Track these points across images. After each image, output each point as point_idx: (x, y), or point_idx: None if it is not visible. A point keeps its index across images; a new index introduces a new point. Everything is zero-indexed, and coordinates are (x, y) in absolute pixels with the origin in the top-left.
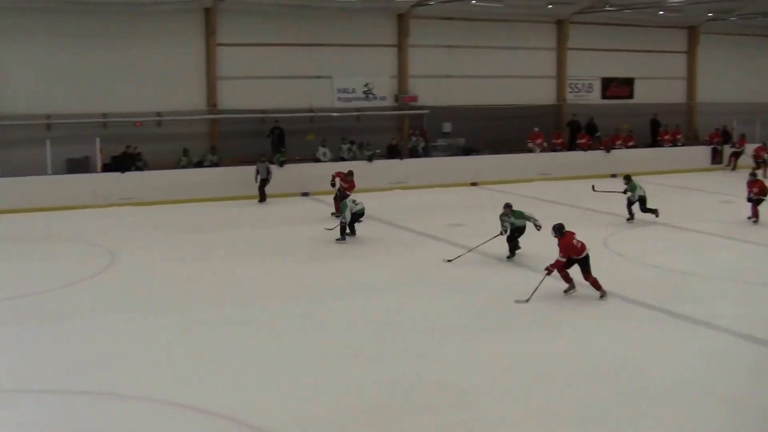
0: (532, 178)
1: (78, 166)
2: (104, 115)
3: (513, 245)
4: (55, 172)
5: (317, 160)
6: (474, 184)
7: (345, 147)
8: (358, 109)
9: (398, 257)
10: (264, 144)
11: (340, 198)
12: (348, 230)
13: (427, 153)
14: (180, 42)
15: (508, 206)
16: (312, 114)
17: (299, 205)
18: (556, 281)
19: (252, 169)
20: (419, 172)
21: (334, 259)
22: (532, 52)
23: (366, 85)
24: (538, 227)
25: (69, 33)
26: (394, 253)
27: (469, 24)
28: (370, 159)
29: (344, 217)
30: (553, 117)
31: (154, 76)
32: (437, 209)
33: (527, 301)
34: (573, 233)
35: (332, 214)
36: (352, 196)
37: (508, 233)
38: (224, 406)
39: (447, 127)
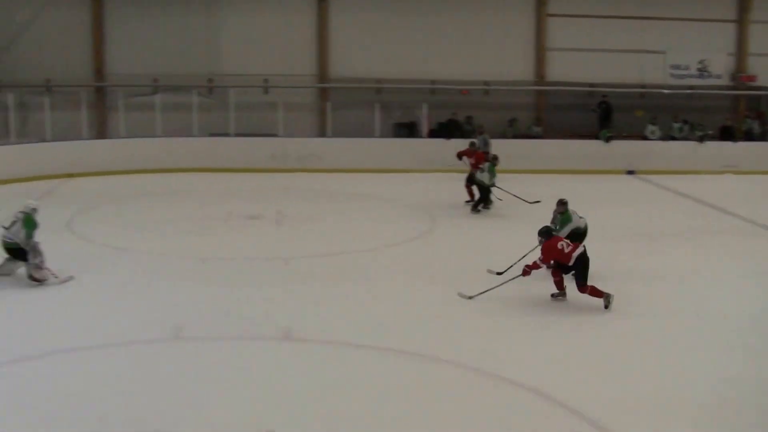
0: None
1: (405, 130)
2: (432, 82)
3: None
4: (382, 135)
5: (645, 138)
6: None
7: (676, 126)
8: (690, 87)
9: (727, 246)
10: (590, 118)
11: (473, 180)
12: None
13: (763, 137)
14: (510, 11)
15: (563, 203)
16: (642, 90)
17: (623, 183)
18: None
19: (578, 143)
20: (753, 156)
21: (660, 240)
22: None
23: (700, 62)
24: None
25: None
26: (720, 241)
27: None
28: (701, 139)
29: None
30: None
31: (482, 45)
32: None
33: (471, 297)
34: (560, 238)
35: (466, 202)
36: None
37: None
38: (528, 378)
39: None
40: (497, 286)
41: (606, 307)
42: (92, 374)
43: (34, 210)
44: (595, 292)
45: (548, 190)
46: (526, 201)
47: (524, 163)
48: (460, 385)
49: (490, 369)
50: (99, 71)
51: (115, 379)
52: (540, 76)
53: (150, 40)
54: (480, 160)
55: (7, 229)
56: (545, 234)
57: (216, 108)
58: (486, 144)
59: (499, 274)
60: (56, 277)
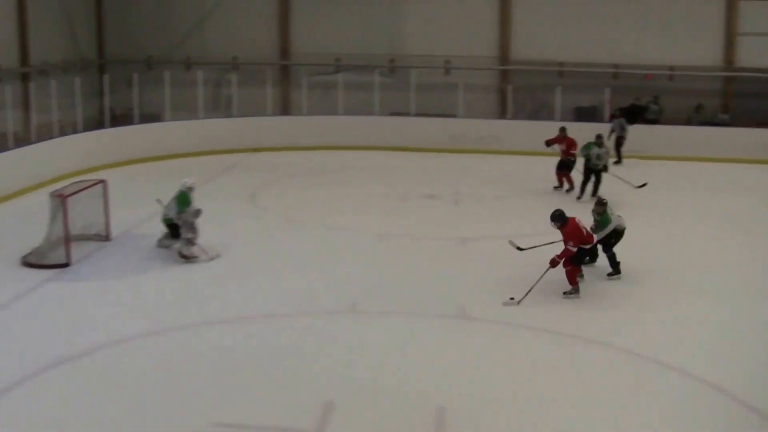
0: None
1: (586, 114)
2: (615, 66)
3: (610, 255)
4: (563, 119)
5: None
6: None
7: None
8: None
9: None
10: None
11: (563, 167)
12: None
13: None
14: None
15: (602, 204)
16: None
17: None
18: None
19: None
20: None
21: None
22: None
23: None
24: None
25: None
26: None
27: None
28: None
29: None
30: None
31: (668, 29)
32: None
33: (518, 302)
34: (575, 218)
35: (555, 188)
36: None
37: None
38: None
39: None
40: (534, 285)
41: (564, 293)
42: (269, 341)
43: (190, 188)
44: (571, 277)
45: (731, 180)
46: (633, 185)
47: (710, 150)
48: (626, 369)
49: (659, 357)
50: (284, 50)
51: (292, 346)
52: (729, 62)
53: (334, 21)
54: (571, 146)
55: (166, 205)
56: (560, 218)
57: (396, 88)
58: (623, 128)
59: (520, 249)
60: (206, 254)
